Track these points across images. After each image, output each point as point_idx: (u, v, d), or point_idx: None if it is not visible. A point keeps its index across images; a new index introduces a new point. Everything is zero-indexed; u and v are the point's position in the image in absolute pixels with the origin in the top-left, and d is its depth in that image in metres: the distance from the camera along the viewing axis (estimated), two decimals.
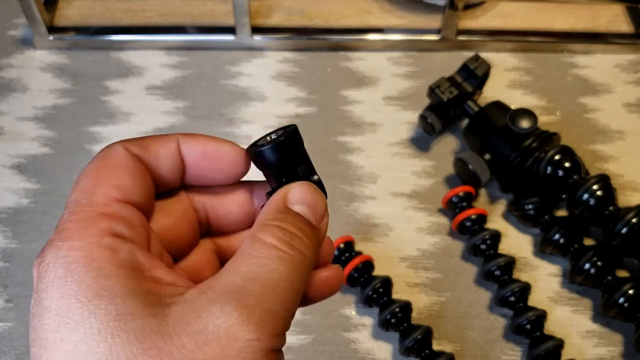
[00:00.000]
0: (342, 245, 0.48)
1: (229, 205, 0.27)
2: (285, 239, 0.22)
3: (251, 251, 0.22)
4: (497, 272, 0.48)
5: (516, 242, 0.52)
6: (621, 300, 0.45)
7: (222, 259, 0.28)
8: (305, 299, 0.26)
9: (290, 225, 0.23)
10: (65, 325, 0.20)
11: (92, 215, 0.22)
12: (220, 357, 0.20)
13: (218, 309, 0.20)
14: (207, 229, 0.28)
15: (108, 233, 0.21)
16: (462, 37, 0.63)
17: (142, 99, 0.60)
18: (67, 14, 0.64)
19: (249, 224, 0.28)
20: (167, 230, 0.25)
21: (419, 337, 0.44)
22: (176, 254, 0.26)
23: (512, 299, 0.47)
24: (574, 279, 0.48)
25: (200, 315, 0.20)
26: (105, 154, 0.24)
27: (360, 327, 0.48)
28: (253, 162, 0.26)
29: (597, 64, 0.63)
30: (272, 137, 0.26)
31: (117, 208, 0.22)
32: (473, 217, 0.50)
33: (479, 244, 0.49)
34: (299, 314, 0.48)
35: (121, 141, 0.25)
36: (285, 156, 0.25)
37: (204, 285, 0.21)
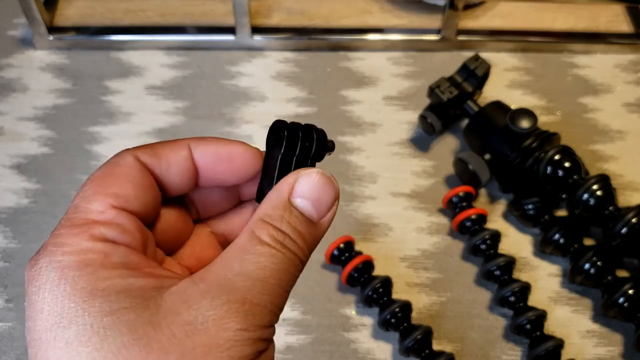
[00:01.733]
0: (342, 245, 0.48)
1: (213, 192, 0.28)
2: (279, 239, 0.23)
3: (246, 247, 0.23)
4: (497, 272, 0.48)
5: (516, 242, 0.52)
6: (621, 300, 0.46)
7: (221, 241, 0.29)
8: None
9: (286, 225, 0.23)
10: (58, 324, 0.20)
11: (86, 222, 0.22)
12: (208, 345, 0.20)
13: (208, 301, 0.21)
14: (197, 214, 0.28)
15: (101, 239, 0.22)
16: (462, 37, 0.63)
17: (142, 99, 0.60)
18: (67, 14, 0.64)
19: (236, 201, 0.28)
20: (164, 230, 0.26)
21: (419, 337, 0.44)
22: (174, 247, 0.27)
23: (512, 298, 0.47)
24: (574, 279, 0.49)
25: (191, 306, 0.21)
26: (114, 161, 0.24)
27: (360, 327, 0.48)
28: (268, 146, 0.26)
29: (597, 64, 0.63)
30: (301, 135, 0.25)
31: (112, 215, 0.23)
32: (473, 217, 0.50)
33: (479, 244, 0.49)
34: (299, 313, 0.48)
35: (133, 148, 0.25)
36: (304, 160, 0.25)
37: (197, 276, 0.22)
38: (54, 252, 0.21)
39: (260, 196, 0.25)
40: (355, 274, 0.47)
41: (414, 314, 0.47)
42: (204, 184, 0.26)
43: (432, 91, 0.54)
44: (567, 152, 0.49)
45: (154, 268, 0.23)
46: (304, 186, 0.24)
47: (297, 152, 0.25)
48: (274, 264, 0.22)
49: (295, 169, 0.25)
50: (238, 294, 0.21)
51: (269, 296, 0.22)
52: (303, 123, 0.26)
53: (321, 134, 0.26)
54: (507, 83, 0.61)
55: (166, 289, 0.21)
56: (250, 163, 0.26)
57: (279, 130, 0.25)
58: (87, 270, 0.21)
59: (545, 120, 0.59)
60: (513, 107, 0.52)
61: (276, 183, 0.24)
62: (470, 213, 0.50)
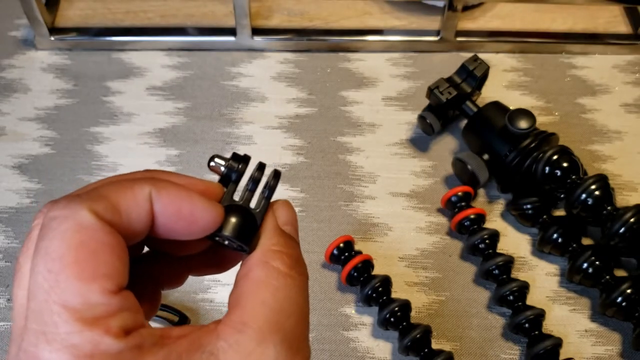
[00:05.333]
0: (341, 245, 0.49)
1: None
2: (292, 264, 0.24)
3: (269, 280, 0.23)
4: (496, 272, 0.48)
5: (515, 242, 0.52)
6: (619, 299, 0.46)
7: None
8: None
9: (291, 249, 0.25)
10: None
11: (99, 334, 0.19)
12: None
13: (272, 351, 0.21)
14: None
15: (120, 334, 0.19)
16: (461, 38, 0.63)
17: (143, 100, 0.60)
18: (69, 15, 0.65)
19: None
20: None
21: (418, 336, 0.45)
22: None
23: (511, 298, 0.47)
24: (572, 278, 0.49)
25: None
26: (74, 226, 0.20)
27: (360, 326, 0.48)
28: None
29: (596, 65, 0.63)
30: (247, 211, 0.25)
31: (117, 303, 0.20)
32: (472, 216, 0.50)
33: (478, 244, 0.49)
34: None
35: (82, 202, 0.20)
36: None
37: (235, 322, 0.22)
38: None
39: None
40: (355, 274, 0.48)
41: (413, 313, 0.47)
42: (153, 234, 0.23)
43: (431, 92, 0.54)
44: (565, 152, 0.49)
45: (171, 329, 0.22)
46: (283, 216, 0.26)
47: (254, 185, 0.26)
48: (299, 294, 0.23)
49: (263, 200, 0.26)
50: (289, 334, 0.22)
51: (306, 326, 0.23)
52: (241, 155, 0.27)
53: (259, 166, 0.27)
54: (505, 84, 0.62)
55: (213, 345, 0.21)
56: (213, 224, 0.23)
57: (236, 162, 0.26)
58: None
59: (543, 121, 0.59)
60: (512, 107, 0.53)
61: (259, 216, 0.25)
62: (469, 213, 0.50)
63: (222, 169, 0.26)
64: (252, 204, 0.26)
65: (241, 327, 0.22)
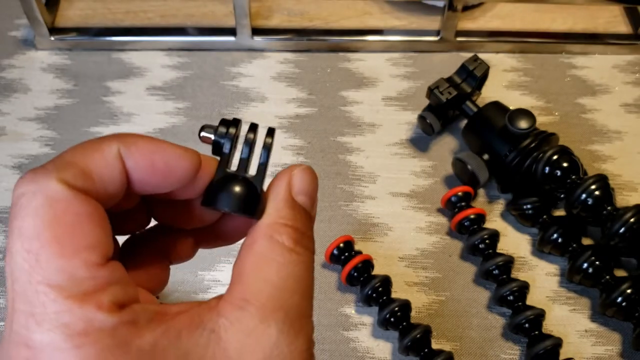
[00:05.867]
0: (341, 245, 0.49)
1: None
2: (298, 239, 0.23)
3: (273, 255, 0.22)
4: (496, 272, 0.48)
5: (515, 242, 0.52)
6: (619, 299, 0.46)
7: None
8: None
9: (299, 223, 0.23)
10: None
11: (91, 310, 0.18)
12: None
13: (274, 329, 0.21)
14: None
15: (113, 309, 0.19)
16: (461, 38, 0.63)
17: (143, 100, 0.60)
18: (69, 15, 0.65)
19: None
20: None
21: (418, 336, 0.45)
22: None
23: (511, 298, 0.47)
24: (572, 278, 0.49)
25: (259, 339, 0.21)
26: (45, 201, 0.19)
27: (360, 326, 0.48)
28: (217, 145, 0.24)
29: (596, 65, 0.63)
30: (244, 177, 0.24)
31: (105, 276, 0.19)
32: (472, 216, 0.50)
33: (478, 244, 0.49)
34: None
35: (48, 173, 0.19)
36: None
37: (237, 299, 0.21)
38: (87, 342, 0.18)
39: (210, 199, 0.23)
40: (355, 274, 0.48)
41: (413, 313, 0.47)
42: (133, 192, 0.22)
43: (431, 92, 0.54)
44: (565, 152, 0.49)
45: (169, 306, 0.21)
46: (299, 183, 0.24)
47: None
48: (305, 271, 0.22)
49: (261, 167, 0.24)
50: (293, 312, 0.21)
51: (310, 303, 0.23)
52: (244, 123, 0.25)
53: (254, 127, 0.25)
54: (505, 84, 0.62)
55: (214, 323, 0.21)
56: (190, 174, 0.22)
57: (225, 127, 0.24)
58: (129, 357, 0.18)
59: (543, 121, 0.59)
60: (512, 107, 0.53)
61: (259, 182, 0.24)
62: (469, 213, 0.50)
63: (212, 136, 0.24)
64: (252, 171, 0.24)
65: (243, 304, 0.21)
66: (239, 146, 0.25)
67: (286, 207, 0.23)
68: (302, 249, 0.23)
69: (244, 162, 0.24)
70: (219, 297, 0.22)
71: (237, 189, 0.23)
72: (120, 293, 0.19)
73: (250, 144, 0.24)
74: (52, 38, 0.62)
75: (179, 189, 0.23)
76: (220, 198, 0.23)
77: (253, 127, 0.24)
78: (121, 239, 0.26)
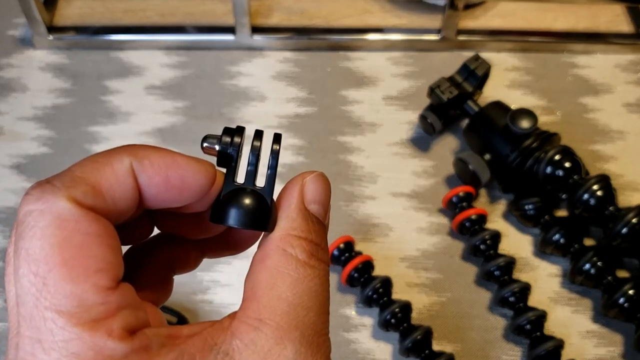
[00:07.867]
0: (342, 245, 0.48)
1: None
2: (313, 252, 0.22)
3: (287, 270, 0.21)
4: (497, 273, 0.48)
5: (516, 243, 0.52)
6: (621, 300, 0.45)
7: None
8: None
9: (313, 234, 0.22)
10: None
11: (101, 337, 0.17)
12: None
13: (291, 350, 0.20)
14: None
15: (124, 337, 0.18)
16: (462, 37, 0.63)
17: (142, 99, 0.60)
18: (67, 14, 0.64)
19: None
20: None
21: (418, 337, 0.44)
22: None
23: (512, 299, 0.47)
24: (574, 279, 0.48)
25: None
26: (53, 221, 0.18)
27: (360, 327, 0.48)
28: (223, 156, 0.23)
29: (597, 64, 0.63)
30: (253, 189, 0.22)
31: (116, 301, 0.18)
32: (473, 217, 0.50)
33: (479, 244, 0.49)
34: None
35: (57, 190, 0.18)
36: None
37: (251, 318, 0.21)
38: None
39: (219, 216, 0.22)
40: (355, 274, 0.47)
41: (414, 314, 0.47)
42: (144, 207, 0.21)
43: (432, 91, 0.54)
44: (567, 152, 0.49)
45: (180, 328, 0.21)
46: (312, 191, 0.23)
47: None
48: (320, 286, 0.21)
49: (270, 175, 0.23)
50: (310, 331, 0.21)
51: (326, 319, 0.22)
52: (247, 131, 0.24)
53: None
54: (507, 83, 0.61)
55: (227, 345, 0.20)
56: (205, 188, 0.21)
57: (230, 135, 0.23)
58: None
59: (545, 120, 0.59)
60: (513, 107, 0.52)
61: (268, 193, 0.22)
62: (470, 213, 0.50)
63: (216, 147, 0.23)
64: (260, 181, 0.23)
65: (257, 324, 0.20)
66: (243, 154, 0.24)
67: (299, 217, 0.22)
68: (317, 262, 0.22)
69: (252, 173, 0.23)
70: (232, 316, 0.21)
71: (247, 202, 0.22)
72: (131, 318, 0.19)
73: (256, 153, 0.23)
74: (51, 37, 0.62)
75: (192, 203, 0.22)
76: (230, 214, 0.22)
77: (258, 134, 0.23)
78: (123, 249, 0.25)
